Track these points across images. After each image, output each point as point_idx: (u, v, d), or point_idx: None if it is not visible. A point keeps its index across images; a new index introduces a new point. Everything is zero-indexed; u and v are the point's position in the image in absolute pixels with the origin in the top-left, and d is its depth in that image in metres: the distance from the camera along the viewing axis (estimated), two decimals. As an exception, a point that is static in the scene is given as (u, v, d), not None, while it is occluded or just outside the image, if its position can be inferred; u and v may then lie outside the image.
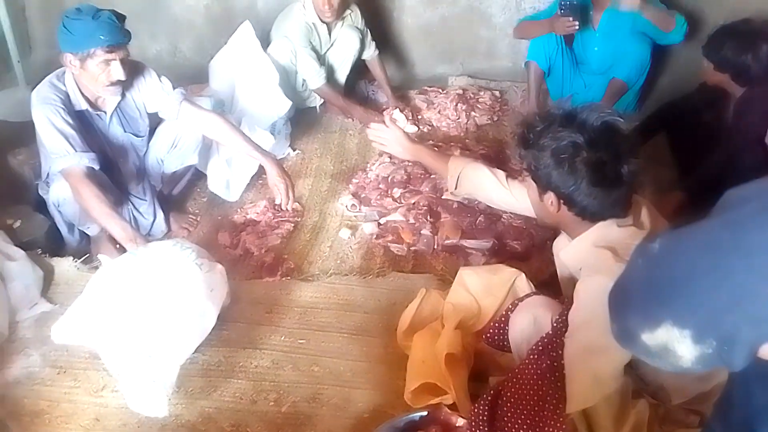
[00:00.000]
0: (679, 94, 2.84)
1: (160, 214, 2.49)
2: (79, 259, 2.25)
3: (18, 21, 3.40)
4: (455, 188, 1.98)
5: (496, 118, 3.33)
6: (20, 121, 3.05)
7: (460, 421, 1.53)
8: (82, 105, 2.16)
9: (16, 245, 2.14)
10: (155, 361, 1.64)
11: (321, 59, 3.16)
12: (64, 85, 2.13)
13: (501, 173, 1.91)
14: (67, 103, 2.11)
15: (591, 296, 1.34)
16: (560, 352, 1.38)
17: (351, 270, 2.33)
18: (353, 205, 2.63)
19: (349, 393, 1.82)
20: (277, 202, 2.38)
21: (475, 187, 1.96)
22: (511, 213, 2.00)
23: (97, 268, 2.22)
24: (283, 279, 2.25)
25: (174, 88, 2.31)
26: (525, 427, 1.39)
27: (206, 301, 1.78)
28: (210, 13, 3.68)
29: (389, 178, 2.74)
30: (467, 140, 3.13)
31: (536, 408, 1.39)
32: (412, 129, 3.22)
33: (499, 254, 2.33)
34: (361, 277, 2.26)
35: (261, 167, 2.45)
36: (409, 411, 1.62)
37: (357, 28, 3.22)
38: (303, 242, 2.48)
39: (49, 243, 2.33)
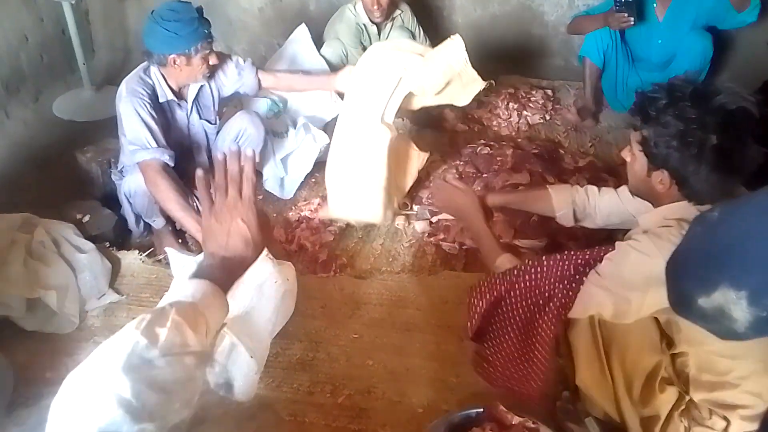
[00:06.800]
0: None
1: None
2: (143, 252, 2.34)
3: (82, 24, 3.55)
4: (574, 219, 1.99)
5: (548, 117, 3.30)
6: (86, 121, 3.21)
7: (516, 419, 1.54)
8: (168, 96, 2.27)
9: (86, 238, 2.23)
10: (246, 343, 1.65)
11: (372, 59, 3.19)
12: (151, 78, 2.24)
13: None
14: (153, 97, 2.21)
15: (636, 251, 1.37)
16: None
17: (403, 267, 2.35)
18: (405, 203, 2.65)
19: (402, 388, 1.85)
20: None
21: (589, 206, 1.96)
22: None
23: (160, 261, 2.32)
24: (337, 275, 2.30)
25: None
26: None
27: (284, 287, 1.80)
28: (264, 15, 3.76)
29: (441, 177, 2.75)
30: (519, 140, 3.12)
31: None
32: (462, 128, 3.23)
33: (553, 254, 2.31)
34: (413, 274, 2.28)
35: (315, 166, 2.49)
36: (464, 407, 1.63)
37: (407, 28, 3.24)
38: (355, 239, 2.51)
39: (116, 237, 2.43)
